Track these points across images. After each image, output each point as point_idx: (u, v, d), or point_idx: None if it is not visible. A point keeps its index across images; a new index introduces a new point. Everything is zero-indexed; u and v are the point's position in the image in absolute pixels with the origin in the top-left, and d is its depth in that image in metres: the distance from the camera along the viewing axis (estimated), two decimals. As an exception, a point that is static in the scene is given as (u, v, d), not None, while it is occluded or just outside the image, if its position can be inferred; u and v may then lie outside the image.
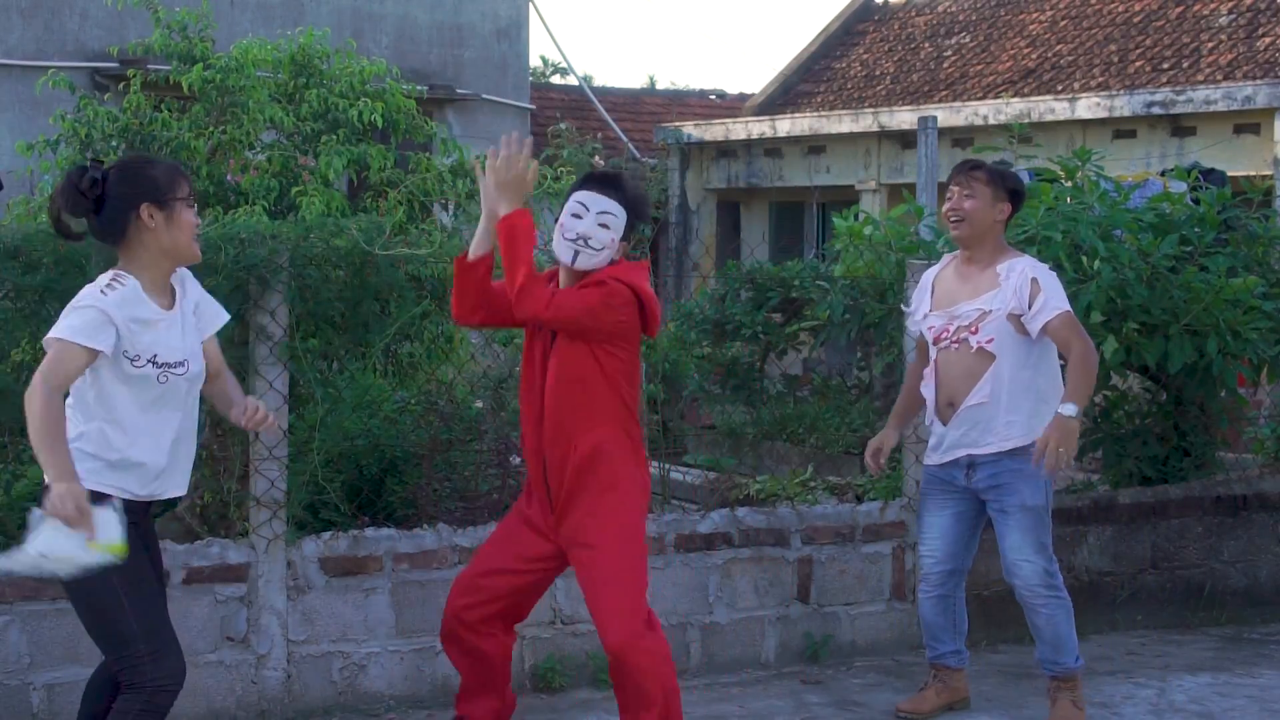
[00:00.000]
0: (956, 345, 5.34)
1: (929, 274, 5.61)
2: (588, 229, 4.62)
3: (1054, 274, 5.38)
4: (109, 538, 3.87)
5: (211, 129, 8.28)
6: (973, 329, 5.32)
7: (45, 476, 3.86)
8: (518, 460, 6.30)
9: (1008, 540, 5.36)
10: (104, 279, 4.04)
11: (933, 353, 5.45)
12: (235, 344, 5.28)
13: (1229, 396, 7.15)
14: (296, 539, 5.46)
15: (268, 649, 5.39)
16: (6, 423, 5.76)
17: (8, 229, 5.56)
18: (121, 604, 3.94)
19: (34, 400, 3.87)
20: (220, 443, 5.59)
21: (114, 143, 8.32)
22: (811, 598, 6.29)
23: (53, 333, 3.94)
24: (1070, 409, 5.08)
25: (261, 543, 5.38)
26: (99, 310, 3.95)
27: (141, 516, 4.10)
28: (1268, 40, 15.26)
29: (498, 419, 6.39)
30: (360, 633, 5.54)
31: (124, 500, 4.00)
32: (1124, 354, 6.55)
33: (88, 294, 3.99)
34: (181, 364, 4.08)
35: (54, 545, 3.81)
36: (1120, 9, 17.19)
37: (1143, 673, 6.20)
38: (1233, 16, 15.90)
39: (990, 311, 5.29)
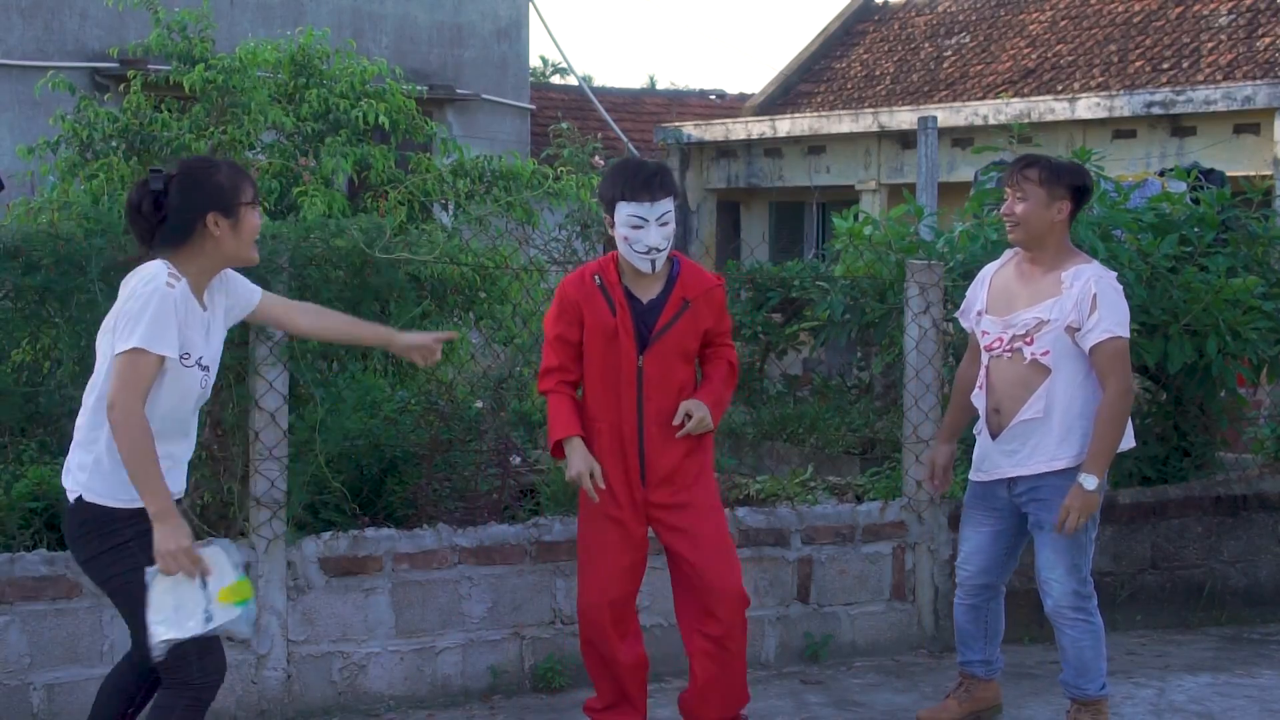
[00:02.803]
0: (1010, 354, 5.07)
1: (988, 269, 5.30)
2: (657, 240, 4.87)
3: (1119, 289, 5.05)
4: (225, 582, 3.89)
5: (212, 129, 8.28)
6: (1028, 339, 5.03)
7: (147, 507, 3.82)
8: (518, 460, 6.30)
9: (1041, 556, 5.17)
10: (163, 271, 3.91)
11: (984, 358, 5.18)
12: (235, 344, 5.28)
13: (1229, 396, 7.15)
14: (296, 539, 5.46)
15: (268, 649, 5.39)
16: (6, 423, 5.76)
17: (8, 229, 5.56)
18: None
19: (126, 422, 3.78)
20: (220, 443, 5.59)
21: (114, 143, 8.32)
22: (811, 598, 6.29)
23: (129, 343, 3.82)
24: (1090, 482, 4.93)
25: (261, 543, 5.38)
26: (169, 309, 3.85)
27: None
28: (1267, 40, 15.26)
29: (498, 419, 6.39)
30: (360, 633, 5.54)
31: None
32: (1124, 354, 6.54)
33: (157, 291, 3.86)
34: (209, 368, 4.07)
35: (175, 614, 3.82)
36: (1120, 9, 17.19)
37: (1142, 673, 6.21)
38: (1233, 16, 15.90)
39: (1049, 321, 4.99)
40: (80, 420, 4.00)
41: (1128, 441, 5.18)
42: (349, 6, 15.99)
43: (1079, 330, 4.95)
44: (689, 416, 4.93)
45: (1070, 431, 5.03)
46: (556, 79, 28.28)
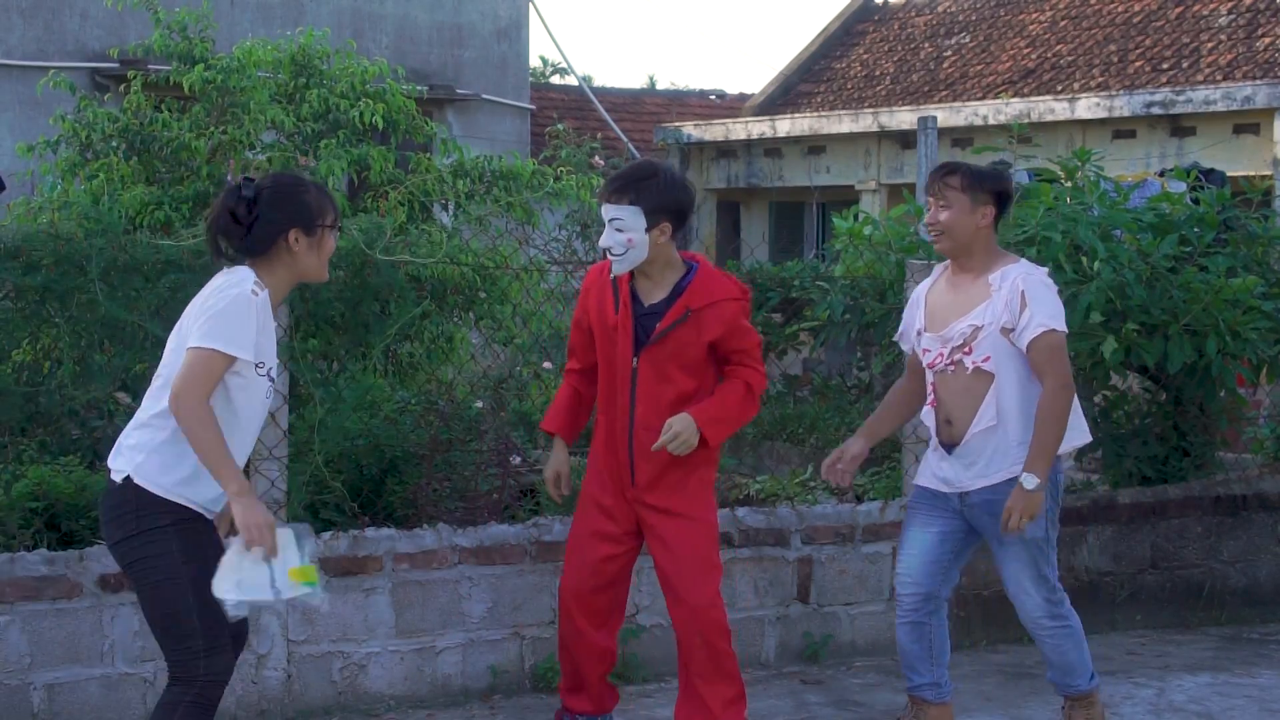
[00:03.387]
0: (952, 368, 4.95)
1: (921, 288, 5.20)
2: (607, 241, 4.89)
3: (1049, 284, 4.94)
4: (291, 564, 3.94)
5: (212, 129, 8.29)
6: (966, 349, 4.91)
7: (226, 491, 3.88)
8: (518, 460, 6.31)
9: (1005, 571, 5.04)
10: (250, 277, 3.99)
11: (930, 376, 5.05)
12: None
13: (1228, 396, 7.15)
14: (297, 539, 5.46)
15: (268, 649, 5.39)
16: (6, 422, 5.77)
17: (8, 229, 5.56)
18: (189, 600, 3.93)
19: (192, 415, 3.83)
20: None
21: (114, 143, 8.33)
22: (811, 598, 6.29)
23: (204, 341, 3.87)
24: (1031, 481, 4.77)
25: (262, 543, 5.38)
26: (250, 314, 3.92)
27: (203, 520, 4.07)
28: (1267, 40, 15.27)
29: (498, 419, 6.39)
30: (360, 633, 5.55)
31: (192, 508, 3.98)
32: (1124, 354, 6.55)
33: (242, 295, 3.93)
34: (275, 381, 4.16)
35: (241, 582, 3.88)
36: (1120, 9, 17.20)
37: (1142, 672, 6.21)
38: (1232, 17, 15.90)
39: (983, 327, 4.88)
40: (145, 403, 4.03)
41: (1080, 436, 5.04)
42: (349, 6, 15.99)
43: (1013, 330, 4.84)
44: (670, 430, 4.85)
45: (1028, 434, 4.86)
46: (556, 79, 28.28)
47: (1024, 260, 5.05)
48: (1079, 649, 5.09)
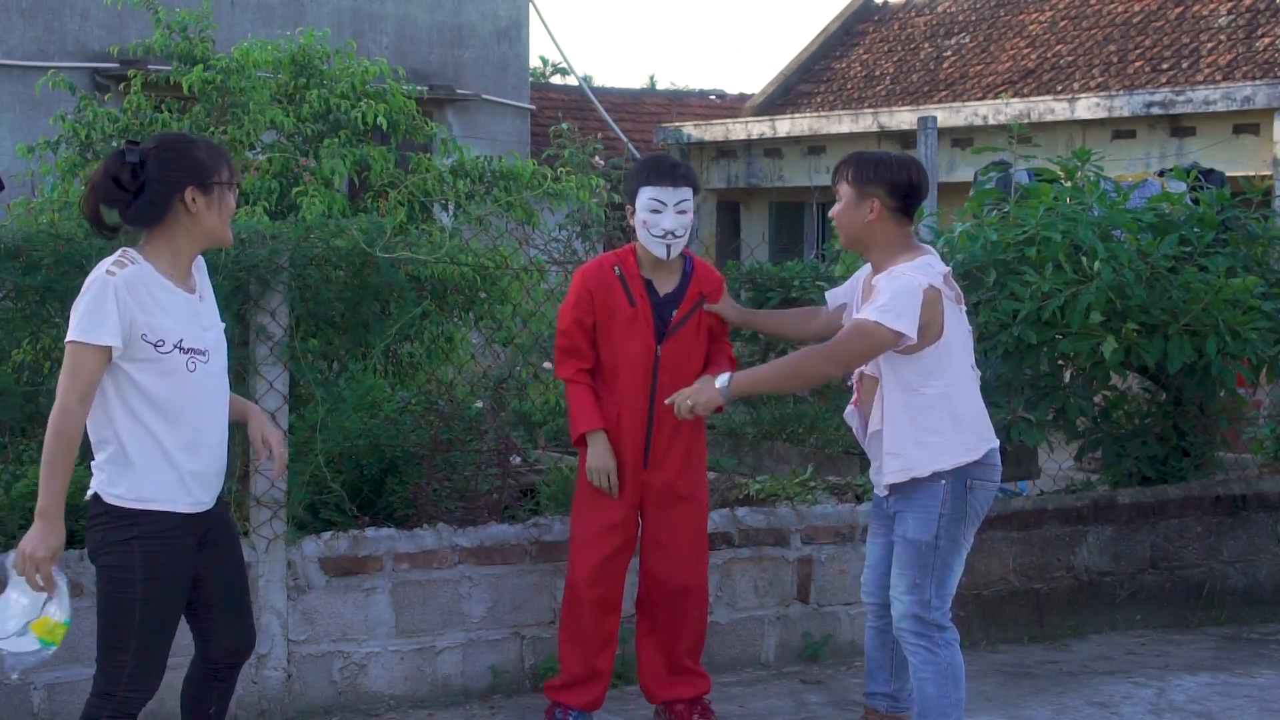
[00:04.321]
0: (857, 379, 4.90)
1: (857, 277, 5.02)
2: (672, 225, 5.08)
3: (911, 288, 4.55)
4: (58, 614, 3.87)
5: (212, 130, 8.28)
6: None
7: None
8: (518, 460, 6.31)
9: (891, 573, 4.82)
10: (109, 259, 3.83)
11: (854, 375, 4.92)
12: (235, 344, 5.28)
13: (1228, 396, 7.15)
14: (297, 539, 5.47)
15: (268, 649, 5.39)
16: (6, 423, 5.76)
17: (8, 229, 5.56)
18: (131, 619, 3.90)
19: (56, 411, 3.77)
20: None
21: (115, 143, 8.32)
22: (811, 597, 6.29)
23: (69, 336, 3.77)
24: (722, 381, 4.72)
25: (262, 542, 5.39)
26: (107, 298, 3.75)
27: (194, 528, 3.98)
28: (1267, 40, 15.27)
29: (498, 419, 6.39)
30: (360, 632, 5.55)
31: (186, 514, 3.91)
32: (1124, 354, 6.55)
33: (96, 280, 3.79)
34: (203, 352, 3.93)
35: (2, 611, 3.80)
36: (1120, 9, 17.20)
37: (1142, 672, 6.21)
38: (1232, 17, 15.91)
39: None
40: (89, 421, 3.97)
41: (975, 447, 4.69)
42: (349, 7, 15.99)
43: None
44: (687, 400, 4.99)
45: (899, 439, 4.68)
46: (557, 79, 28.27)
47: (923, 258, 4.69)
48: (940, 688, 4.69)
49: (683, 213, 5.09)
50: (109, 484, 3.89)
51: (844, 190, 4.76)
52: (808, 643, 6.26)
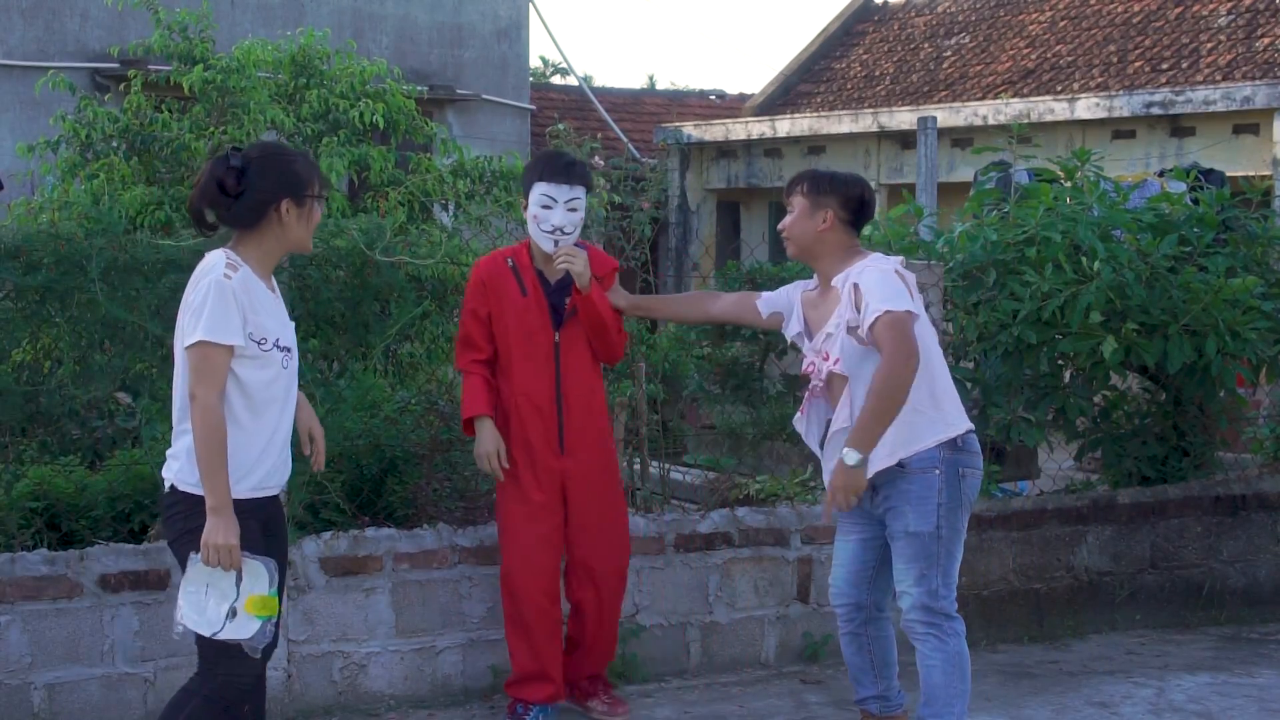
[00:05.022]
0: (823, 381, 4.88)
1: (801, 286, 5.14)
2: (561, 221, 5.24)
3: (886, 271, 4.73)
4: (259, 589, 3.98)
5: (212, 129, 8.30)
6: (823, 354, 4.85)
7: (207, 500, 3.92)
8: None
9: (895, 568, 4.81)
10: (220, 261, 3.98)
11: (806, 387, 4.97)
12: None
13: (1228, 396, 7.15)
14: (297, 539, 5.47)
15: (268, 649, 5.39)
16: (6, 422, 5.77)
17: (8, 229, 5.57)
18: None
19: (200, 414, 3.90)
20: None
21: (114, 143, 8.33)
22: (811, 597, 6.29)
23: (195, 337, 3.91)
24: (851, 457, 4.57)
25: (262, 542, 5.38)
26: (228, 299, 3.92)
27: (263, 513, 4.11)
28: (1267, 40, 15.27)
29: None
30: (360, 632, 5.55)
31: (255, 499, 4.04)
32: (1124, 354, 6.55)
33: (215, 282, 3.93)
34: (289, 350, 4.13)
35: (198, 607, 3.95)
36: (1120, 9, 17.20)
37: (1142, 672, 6.21)
38: (1232, 17, 15.91)
39: (833, 332, 4.80)
40: (174, 411, 4.10)
41: (956, 423, 4.76)
42: (349, 7, 15.99)
43: (858, 328, 4.69)
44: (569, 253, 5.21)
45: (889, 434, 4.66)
46: (557, 79, 28.26)
47: (874, 255, 4.89)
48: (948, 675, 4.76)
49: (573, 210, 5.24)
50: (188, 473, 3.99)
51: (798, 202, 4.92)
52: (807, 643, 6.27)
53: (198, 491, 3.97)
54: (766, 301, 5.27)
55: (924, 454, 4.72)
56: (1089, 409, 6.98)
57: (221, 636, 3.97)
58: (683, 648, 6.04)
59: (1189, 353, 6.58)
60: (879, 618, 5.03)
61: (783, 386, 9.80)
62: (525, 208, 5.32)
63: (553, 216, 5.23)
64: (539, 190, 5.25)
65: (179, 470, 4.03)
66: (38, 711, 5.08)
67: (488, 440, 5.26)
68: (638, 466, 7.09)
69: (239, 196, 4.01)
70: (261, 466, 4.06)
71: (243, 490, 4.01)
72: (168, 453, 4.11)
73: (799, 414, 5.04)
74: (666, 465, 7.52)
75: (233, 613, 3.97)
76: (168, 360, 5.14)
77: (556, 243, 5.25)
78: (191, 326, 3.93)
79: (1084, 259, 6.50)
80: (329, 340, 5.93)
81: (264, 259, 4.09)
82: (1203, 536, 7.03)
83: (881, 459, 4.70)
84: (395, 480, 6.07)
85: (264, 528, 4.10)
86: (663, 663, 5.97)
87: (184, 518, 4.01)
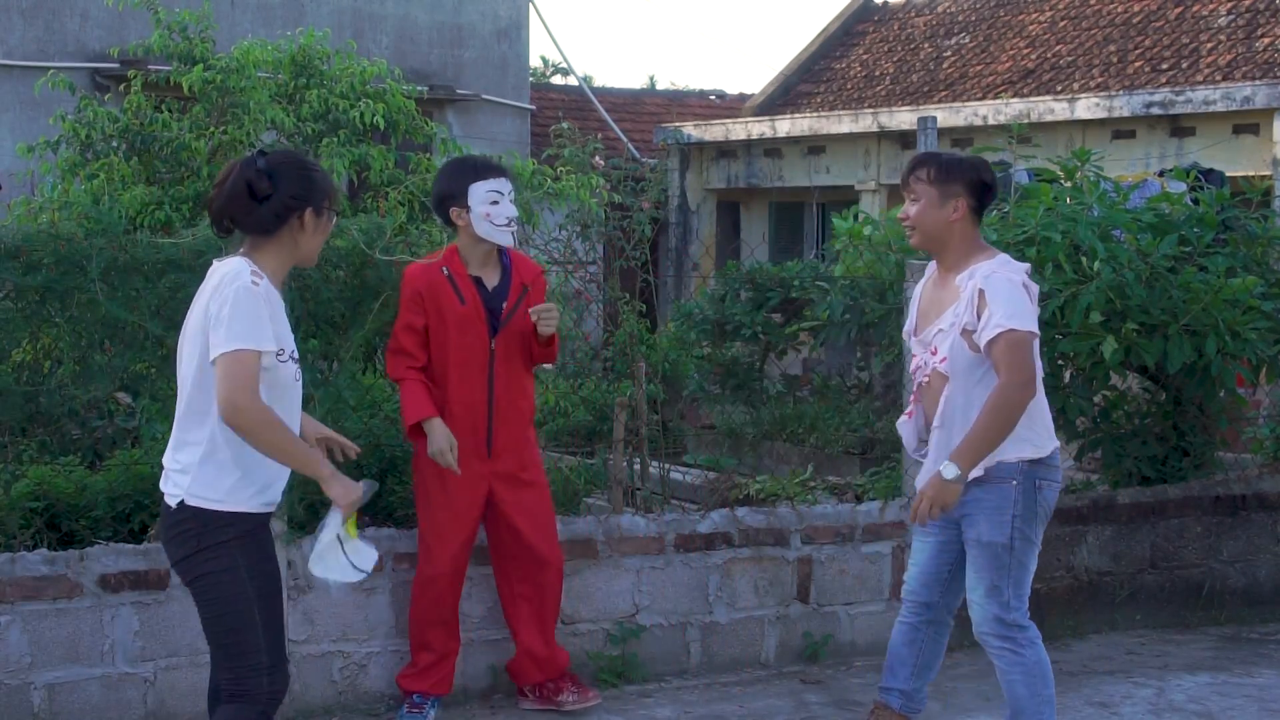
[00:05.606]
0: (927, 379, 4.75)
1: (916, 287, 4.99)
2: (512, 212, 5.37)
3: (1015, 281, 4.59)
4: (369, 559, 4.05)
5: (212, 129, 8.30)
6: (932, 350, 4.69)
7: (320, 478, 3.92)
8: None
9: (967, 578, 4.74)
10: (244, 269, 3.87)
11: (912, 385, 4.89)
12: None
13: (1228, 396, 7.15)
14: (296, 539, 5.47)
15: (268, 649, 5.38)
16: (6, 422, 5.77)
17: (8, 229, 5.56)
18: (254, 615, 3.91)
19: (252, 419, 3.78)
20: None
21: (114, 143, 8.33)
22: (811, 597, 6.29)
23: (229, 345, 3.77)
24: (950, 471, 4.49)
25: (262, 542, 5.38)
26: (259, 305, 3.83)
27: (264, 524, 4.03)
28: (1267, 40, 15.27)
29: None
30: (360, 632, 5.55)
31: (265, 513, 3.98)
32: (1123, 354, 6.55)
33: (243, 288, 3.83)
34: (298, 362, 4.05)
35: (330, 561, 4.00)
36: (1119, 9, 17.20)
37: (1142, 672, 6.21)
38: (1232, 17, 15.91)
39: (945, 329, 4.64)
40: (177, 426, 3.96)
41: (1043, 444, 4.68)
42: (349, 7, 15.99)
43: (974, 332, 4.55)
44: (547, 312, 5.31)
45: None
46: (557, 79, 28.26)
47: (1001, 256, 4.71)
48: (1030, 688, 4.68)
49: (512, 201, 5.37)
50: (201, 487, 3.87)
51: (923, 190, 4.70)
52: (807, 643, 6.27)
53: (213, 506, 3.87)
54: (907, 335, 5.04)
55: (1003, 465, 4.63)
56: (1089, 409, 6.98)
57: (365, 568, 4.00)
58: (683, 648, 6.04)
59: (1189, 353, 6.59)
60: (942, 621, 4.95)
61: (783, 386, 9.83)
62: (458, 215, 5.34)
63: (504, 209, 5.31)
64: (482, 189, 5.30)
65: (191, 484, 3.89)
66: (38, 711, 5.08)
67: (441, 438, 5.26)
68: (638, 466, 7.10)
69: (265, 200, 3.91)
70: (278, 481, 3.99)
71: (256, 504, 3.93)
72: (169, 467, 3.96)
73: (904, 416, 4.91)
74: (666, 465, 7.52)
75: (352, 563, 4.00)
76: (168, 360, 5.13)
77: (514, 234, 5.36)
78: (225, 337, 3.79)
79: (1084, 259, 6.50)
80: (329, 340, 5.92)
81: (279, 268, 3.99)
82: (1203, 536, 7.03)
83: (974, 471, 4.60)
84: (395, 480, 6.06)
85: (263, 544, 4.00)
86: (663, 663, 5.97)
87: (197, 536, 3.88)
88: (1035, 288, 4.71)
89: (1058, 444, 4.79)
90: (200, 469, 3.87)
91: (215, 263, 4.00)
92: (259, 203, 3.91)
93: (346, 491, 3.94)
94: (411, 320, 5.35)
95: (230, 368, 3.78)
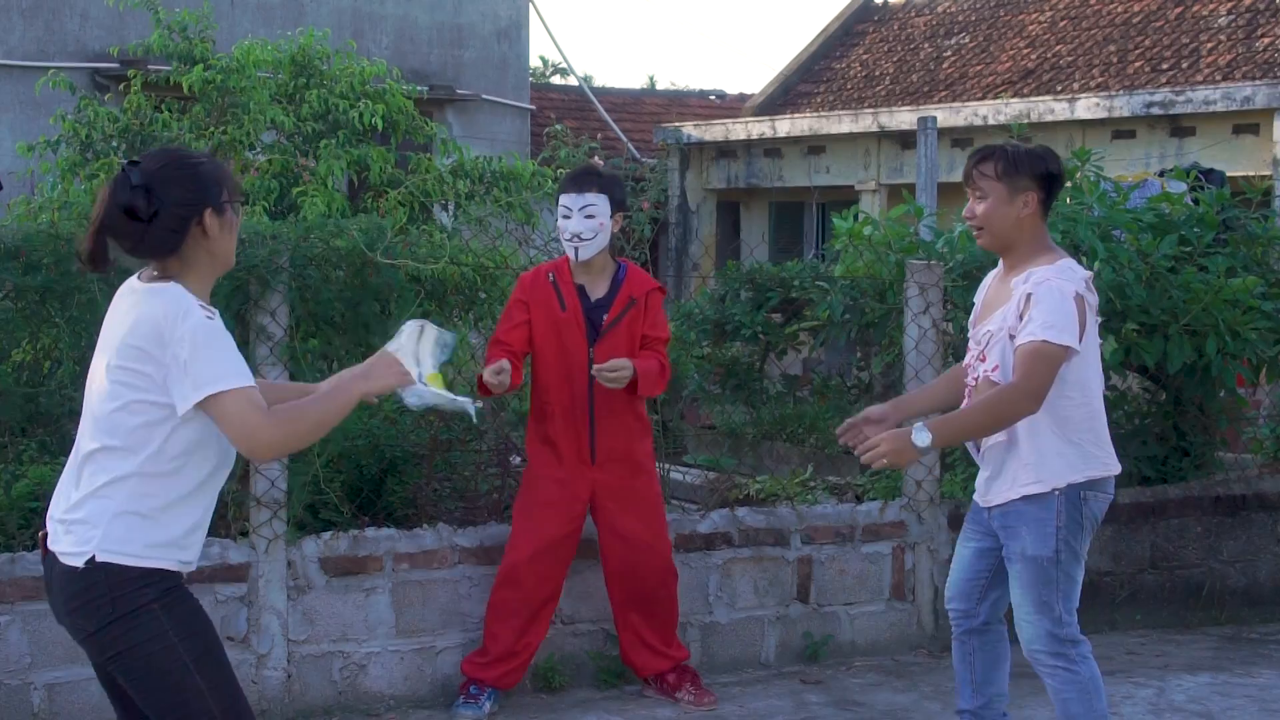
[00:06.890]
0: (975, 383, 4.49)
1: (987, 276, 4.69)
2: (579, 228, 5.40)
3: (1064, 292, 4.31)
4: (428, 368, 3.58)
5: (212, 129, 8.29)
6: (981, 356, 4.47)
7: (366, 393, 3.42)
8: (518, 460, 6.31)
9: (1013, 594, 4.49)
10: (189, 303, 3.29)
11: (968, 378, 4.58)
12: (236, 344, 5.28)
13: (1228, 396, 7.15)
14: (297, 539, 5.47)
15: (268, 649, 5.39)
16: (6, 422, 5.76)
17: (8, 229, 5.56)
18: (196, 683, 3.28)
19: (280, 441, 3.29)
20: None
21: (114, 143, 8.33)
22: (811, 597, 6.29)
23: (219, 385, 3.21)
24: (922, 439, 4.18)
25: (262, 543, 5.39)
26: (227, 337, 3.31)
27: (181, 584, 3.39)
28: (1267, 40, 15.27)
29: (497, 419, 6.39)
30: (360, 632, 5.55)
31: (174, 573, 3.33)
32: (1123, 354, 6.55)
33: (198, 324, 3.25)
34: None
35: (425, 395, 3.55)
36: (1120, 9, 17.20)
37: (1142, 672, 6.21)
38: (1232, 17, 15.91)
39: (994, 332, 4.42)
40: (86, 474, 3.32)
41: (1097, 467, 4.43)
42: (349, 7, 15.99)
43: (1014, 337, 4.33)
44: (615, 366, 5.30)
45: (1032, 452, 4.38)
46: (557, 79, 28.26)
47: (1063, 262, 4.42)
48: (1086, 704, 4.43)
49: (590, 217, 5.40)
50: (114, 541, 3.26)
51: (990, 186, 4.41)
52: (808, 643, 6.27)
53: (129, 561, 3.24)
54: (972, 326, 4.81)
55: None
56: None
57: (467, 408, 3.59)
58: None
59: (1189, 353, 6.59)
60: (989, 630, 4.71)
61: (783, 386, 9.82)
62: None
63: (570, 225, 5.41)
64: (560, 204, 5.46)
65: (102, 538, 3.24)
66: (38, 711, 5.08)
67: (489, 371, 5.24)
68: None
69: (151, 220, 3.27)
70: (196, 535, 3.39)
71: (173, 562, 3.31)
72: (68, 518, 3.30)
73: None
74: (666, 465, 7.52)
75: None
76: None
77: (577, 250, 5.41)
78: (209, 374, 3.23)
79: (1084, 259, 6.49)
80: (329, 340, 5.93)
81: (203, 287, 3.37)
82: (1203, 536, 7.03)
83: (1027, 485, 4.40)
84: (395, 480, 6.06)
85: (185, 597, 3.34)
86: (663, 663, 5.97)
87: (111, 600, 3.24)
88: (1094, 297, 4.48)
89: (1117, 462, 4.55)
90: (118, 519, 3.26)
91: (129, 286, 3.40)
92: (146, 223, 3.28)
93: (389, 373, 3.45)
94: (514, 315, 5.49)
95: (232, 406, 3.24)
